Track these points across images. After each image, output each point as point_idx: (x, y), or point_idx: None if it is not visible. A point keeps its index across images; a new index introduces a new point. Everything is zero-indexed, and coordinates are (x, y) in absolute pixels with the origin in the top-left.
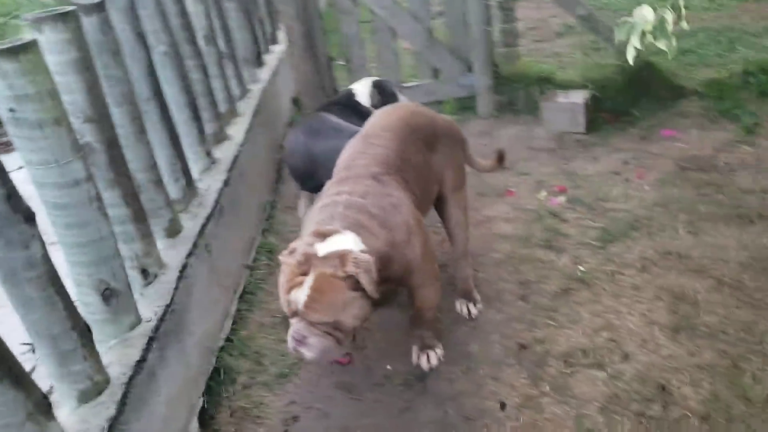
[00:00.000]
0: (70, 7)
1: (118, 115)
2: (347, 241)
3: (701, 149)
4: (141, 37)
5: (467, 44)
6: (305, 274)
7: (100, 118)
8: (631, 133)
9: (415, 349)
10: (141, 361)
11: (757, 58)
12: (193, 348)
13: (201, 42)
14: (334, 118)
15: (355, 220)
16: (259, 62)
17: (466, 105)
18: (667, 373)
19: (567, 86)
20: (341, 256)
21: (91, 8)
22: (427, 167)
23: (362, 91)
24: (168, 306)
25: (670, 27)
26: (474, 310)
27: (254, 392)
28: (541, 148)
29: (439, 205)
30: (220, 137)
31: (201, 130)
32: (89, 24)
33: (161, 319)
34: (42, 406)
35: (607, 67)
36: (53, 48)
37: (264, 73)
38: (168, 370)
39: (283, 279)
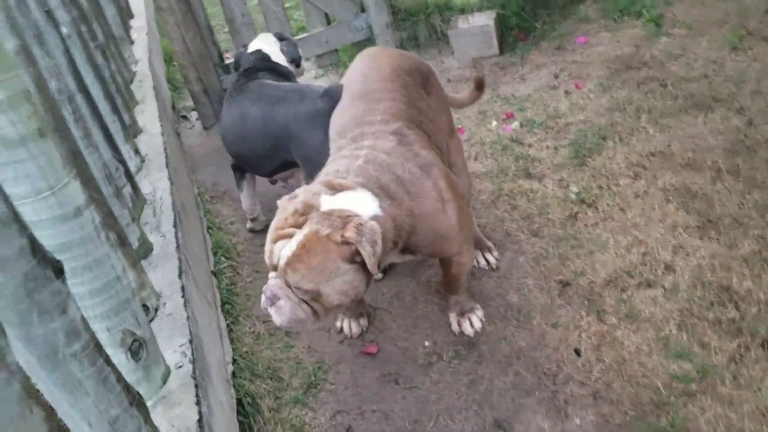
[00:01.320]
0: None
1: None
2: (360, 202)
3: (622, 49)
4: (50, 15)
5: None
6: (299, 226)
7: (60, 124)
8: (544, 46)
9: (453, 317)
10: (200, 420)
11: None
12: (218, 383)
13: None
14: (277, 82)
15: (376, 180)
16: (129, 39)
17: (365, 48)
18: (719, 272)
19: (467, 10)
20: (345, 218)
21: None
22: (433, 114)
23: (272, 50)
24: (191, 341)
25: None
26: (492, 259)
27: (288, 413)
28: (460, 79)
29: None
30: (136, 130)
31: (125, 124)
32: None
33: (194, 360)
34: None
35: None
36: None
37: (138, 52)
38: (215, 420)
39: (273, 224)
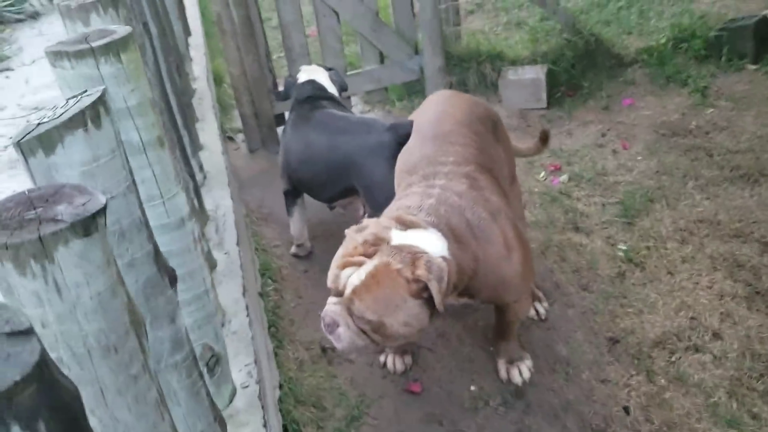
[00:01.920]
0: None
1: None
2: (429, 241)
3: (668, 115)
4: (146, 27)
5: (413, 25)
6: (368, 256)
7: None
8: (591, 104)
9: (502, 363)
10: None
11: (679, 24)
12: (271, 407)
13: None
14: (343, 113)
15: (446, 221)
16: (189, 56)
17: (414, 89)
18: (767, 344)
19: (518, 62)
20: (415, 255)
21: None
22: (502, 161)
23: (324, 80)
24: (256, 362)
25: None
26: (542, 310)
27: None
28: (508, 127)
29: None
30: (197, 146)
31: (193, 140)
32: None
33: (259, 382)
34: None
35: (554, 41)
36: None
37: (197, 70)
38: None
39: (341, 251)
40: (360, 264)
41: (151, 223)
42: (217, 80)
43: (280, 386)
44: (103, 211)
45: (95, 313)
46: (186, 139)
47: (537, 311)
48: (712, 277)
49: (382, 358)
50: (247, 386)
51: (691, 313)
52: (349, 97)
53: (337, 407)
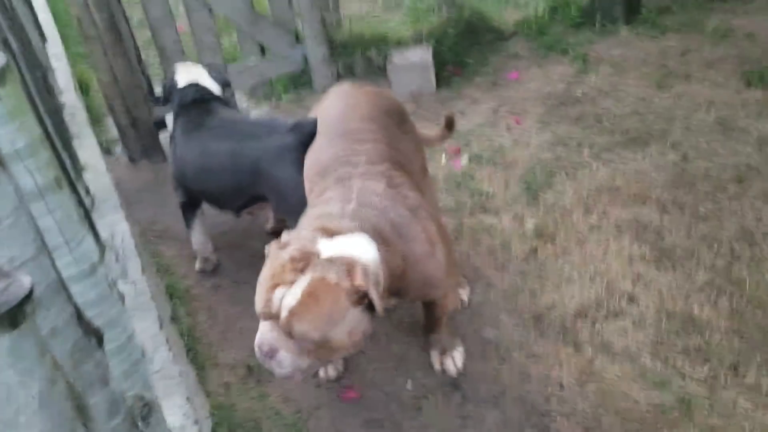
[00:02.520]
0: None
1: None
2: (359, 247)
3: (553, 85)
4: (7, 44)
5: (291, 14)
6: (299, 272)
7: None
8: (478, 81)
9: (435, 355)
10: None
11: None
12: None
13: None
14: (238, 114)
15: (371, 224)
16: (51, 67)
17: (300, 80)
18: (679, 302)
19: (403, 43)
20: (349, 264)
21: None
22: (411, 154)
23: (205, 79)
24: (189, 399)
25: None
26: (465, 297)
27: None
28: None
29: None
30: (79, 167)
31: (74, 162)
32: None
33: (196, 421)
34: None
35: (434, 19)
36: None
37: (62, 81)
38: None
39: (267, 272)
40: (292, 282)
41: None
42: (84, 89)
43: (212, 414)
44: (29, 296)
45: (38, 414)
46: (68, 162)
47: (461, 298)
48: (620, 242)
49: None
50: (184, 429)
51: (605, 280)
52: (233, 94)
53: (274, 427)
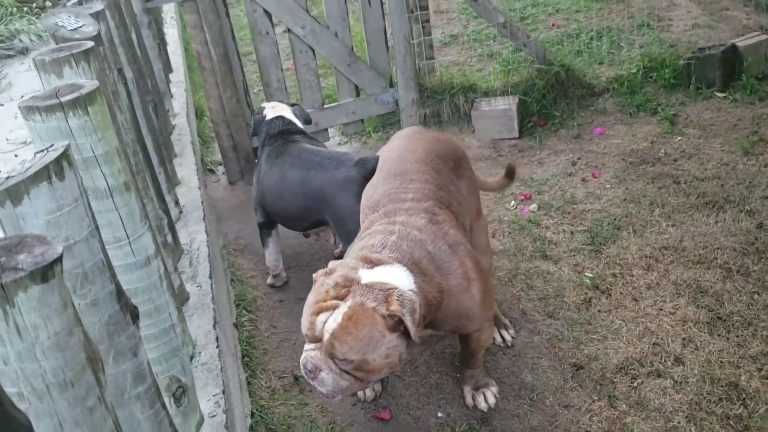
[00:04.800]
0: (89, 44)
1: None
2: (397, 276)
3: (637, 143)
4: (121, 74)
5: (387, 59)
6: (341, 298)
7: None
8: (562, 134)
9: (468, 390)
10: None
11: (649, 54)
12: None
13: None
14: (316, 147)
15: (410, 256)
16: (170, 93)
17: (389, 121)
18: (727, 368)
19: (491, 93)
20: (387, 291)
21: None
22: (461, 196)
23: (290, 115)
24: (224, 392)
25: None
26: (508, 337)
27: None
28: (479, 158)
29: None
30: (174, 181)
31: (169, 176)
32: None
33: (226, 411)
34: None
35: (525, 72)
36: None
37: (177, 106)
38: None
39: (312, 298)
40: (334, 307)
41: (118, 263)
42: (199, 114)
43: (252, 414)
44: (59, 259)
45: (53, 351)
46: (162, 176)
47: (503, 338)
48: (676, 303)
49: None
50: (214, 416)
51: (654, 339)
52: (326, 129)
53: None
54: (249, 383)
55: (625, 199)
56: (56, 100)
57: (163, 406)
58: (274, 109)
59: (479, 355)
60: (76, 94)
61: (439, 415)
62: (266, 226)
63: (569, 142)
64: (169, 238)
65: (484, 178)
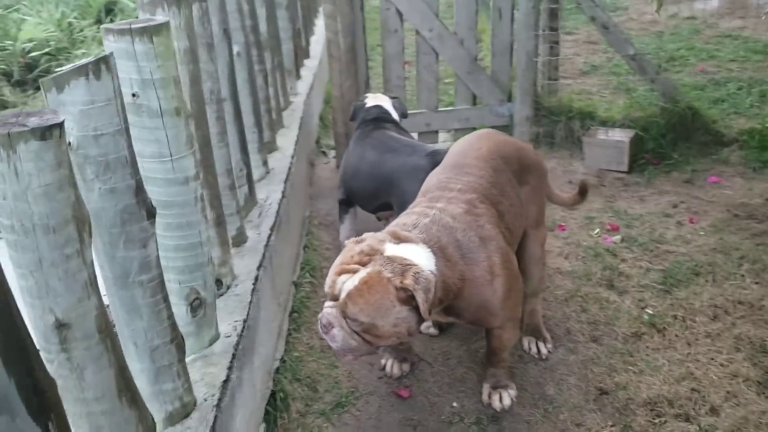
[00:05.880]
0: None
1: (207, 113)
2: (419, 255)
3: (750, 198)
4: (227, 33)
5: (509, 74)
6: (363, 265)
7: (199, 113)
8: (675, 176)
9: (486, 388)
10: (226, 382)
11: None
12: (258, 369)
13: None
14: (399, 135)
15: (438, 239)
16: (297, 74)
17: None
18: (764, 430)
19: (609, 123)
20: (405, 266)
21: None
22: (519, 201)
23: (388, 106)
24: (245, 321)
25: None
26: (544, 350)
27: (311, 421)
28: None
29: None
30: (271, 147)
31: (261, 138)
32: (195, 12)
33: (240, 335)
34: (151, 429)
35: (649, 108)
36: None
37: (302, 87)
38: (242, 394)
39: (339, 259)
40: (355, 271)
41: (159, 176)
42: (327, 99)
43: (283, 360)
44: (59, 125)
45: (41, 198)
46: (255, 136)
47: (539, 350)
48: (732, 356)
49: (383, 360)
50: (229, 336)
51: (694, 384)
52: (437, 131)
53: (328, 392)
54: (290, 334)
55: (714, 248)
56: (128, 26)
57: (165, 299)
58: (374, 99)
59: (502, 354)
60: (144, 24)
61: (454, 404)
62: (345, 204)
63: (678, 185)
64: (245, 189)
65: (558, 192)
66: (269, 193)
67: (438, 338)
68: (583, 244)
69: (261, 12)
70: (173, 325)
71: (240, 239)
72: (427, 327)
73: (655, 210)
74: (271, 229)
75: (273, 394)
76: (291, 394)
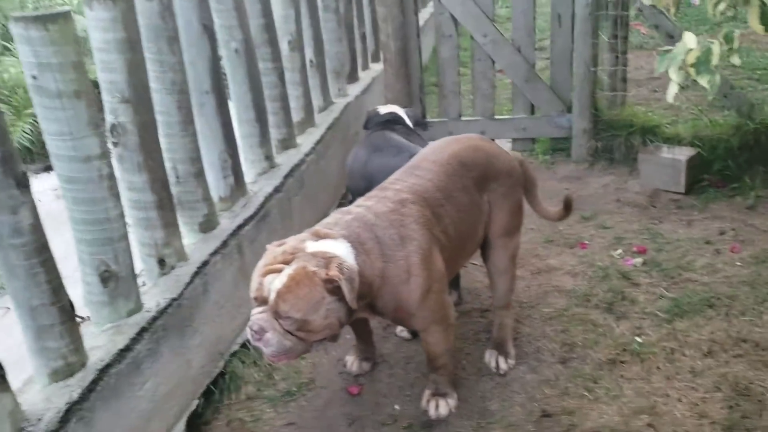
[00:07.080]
0: None
1: (164, 102)
2: (339, 250)
3: None
4: (207, 29)
5: (569, 84)
6: (287, 263)
7: (138, 100)
8: (737, 201)
9: (426, 394)
10: (125, 350)
11: None
12: (198, 347)
13: (284, 46)
14: (396, 137)
15: (357, 236)
16: (353, 77)
17: (559, 146)
18: None
19: (673, 141)
20: (327, 258)
21: None
22: (474, 208)
23: (400, 112)
24: (174, 299)
25: (715, 60)
26: (504, 365)
27: (256, 405)
28: (630, 203)
29: (485, 249)
30: (288, 144)
31: (264, 133)
32: (148, 8)
33: (162, 311)
34: None
35: (721, 126)
36: (98, 25)
37: (354, 89)
38: (159, 366)
39: (262, 262)
40: (280, 270)
41: (62, 153)
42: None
43: (244, 346)
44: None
45: None
46: (256, 131)
47: (498, 365)
48: (708, 396)
49: (347, 357)
50: (149, 311)
51: (651, 420)
52: (493, 140)
53: (284, 381)
54: None
55: (743, 281)
56: (23, 15)
57: (43, 264)
58: (388, 107)
59: (437, 361)
60: (40, 13)
61: (396, 407)
62: (349, 203)
63: (737, 211)
64: (231, 180)
65: (544, 205)
66: (261, 186)
67: (409, 342)
68: (597, 263)
69: (288, 13)
70: (56, 290)
71: (209, 225)
72: (400, 331)
73: (698, 236)
74: (247, 220)
75: (222, 374)
76: (244, 377)
